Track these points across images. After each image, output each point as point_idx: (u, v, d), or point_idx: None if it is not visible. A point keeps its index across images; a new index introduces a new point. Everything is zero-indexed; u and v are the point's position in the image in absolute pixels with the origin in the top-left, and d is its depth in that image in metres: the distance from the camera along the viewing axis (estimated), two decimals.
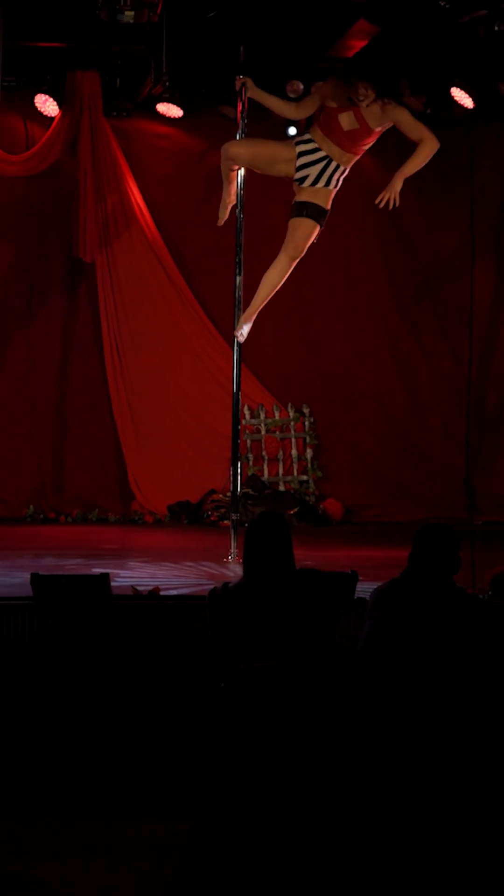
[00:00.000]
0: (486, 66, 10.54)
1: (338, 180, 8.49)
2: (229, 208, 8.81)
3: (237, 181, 8.71)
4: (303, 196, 8.48)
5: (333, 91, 8.44)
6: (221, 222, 8.89)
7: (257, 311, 8.65)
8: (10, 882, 4.85)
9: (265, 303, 8.62)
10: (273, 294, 8.61)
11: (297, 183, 8.49)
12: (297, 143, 8.53)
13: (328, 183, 8.45)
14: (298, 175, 8.46)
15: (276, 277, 8.57)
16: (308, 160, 8.44)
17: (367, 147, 8.54)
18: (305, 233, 8.49)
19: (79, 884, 4.85)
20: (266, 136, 9.68)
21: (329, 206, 8.53)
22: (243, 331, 8.70)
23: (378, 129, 8.41)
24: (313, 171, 8.44)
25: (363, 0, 9.14)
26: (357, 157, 8.54)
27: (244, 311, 8.72)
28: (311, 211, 8.45)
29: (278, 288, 8.60)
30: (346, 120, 8.38)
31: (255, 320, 8.95)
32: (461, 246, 11.18)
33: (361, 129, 8.38)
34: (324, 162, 8.43)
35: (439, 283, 11.98)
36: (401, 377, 12.05)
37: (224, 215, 8.85)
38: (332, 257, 11.74)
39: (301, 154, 8.46)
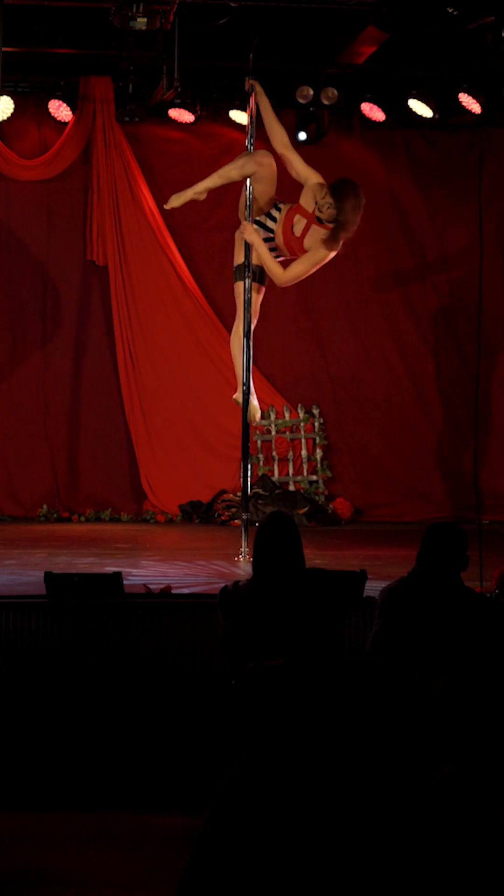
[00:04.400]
0: (494, 72, 10.62)
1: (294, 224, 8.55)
2: (189, 199, 8.67)
3: (246, 190, 8.62)
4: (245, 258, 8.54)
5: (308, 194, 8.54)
6: (170, 206, 8.73)
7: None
8: (28, 872, 4.93)
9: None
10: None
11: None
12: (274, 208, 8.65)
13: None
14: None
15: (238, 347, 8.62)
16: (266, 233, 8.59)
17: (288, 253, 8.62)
18: (257, 299, 8.62)
19: (94, 873, 4.92)
20: None
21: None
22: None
23: (306, 250, 8.52)
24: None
25: (372, 6, 9.24)
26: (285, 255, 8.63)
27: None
28: (256, 275, 8.58)
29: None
30: (299, 225, 8.55)
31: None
32: (470, 249, 11.23)
33: (298, 239, 8.54)
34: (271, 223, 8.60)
35: (448, 286, 12.01)
36: (409, 378, 12.01)
37: (178, 203, 8.67)
38: (341, 260, 11.72)
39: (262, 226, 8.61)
